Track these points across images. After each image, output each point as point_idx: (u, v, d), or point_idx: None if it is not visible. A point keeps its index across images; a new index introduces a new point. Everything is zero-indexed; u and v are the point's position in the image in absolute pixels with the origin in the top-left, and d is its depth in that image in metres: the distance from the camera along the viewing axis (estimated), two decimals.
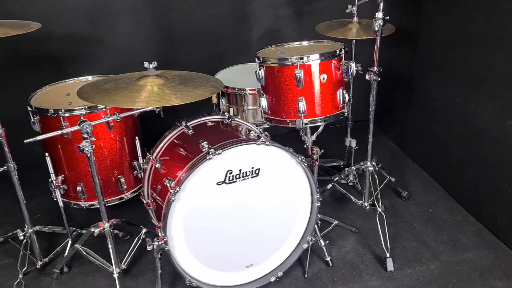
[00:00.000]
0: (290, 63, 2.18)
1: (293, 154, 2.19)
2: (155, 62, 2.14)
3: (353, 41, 2.86)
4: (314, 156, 2.44)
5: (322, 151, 2.47)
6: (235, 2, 3.43)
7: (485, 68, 2.65)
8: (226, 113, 2.50)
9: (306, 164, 2.22)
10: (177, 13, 3.36)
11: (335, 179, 2.94)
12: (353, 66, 2.22)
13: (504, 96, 2.53)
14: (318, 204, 2.34)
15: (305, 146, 2.43)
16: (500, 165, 2.62)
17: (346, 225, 2.79)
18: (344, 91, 2.30)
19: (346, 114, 2.35)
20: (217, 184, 2.09)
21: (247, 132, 2.23)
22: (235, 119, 2.49)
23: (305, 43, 2.57)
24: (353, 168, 2.92)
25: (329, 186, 2.92)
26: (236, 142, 2.09)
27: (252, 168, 2.14)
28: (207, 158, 2.00)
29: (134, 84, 2.11)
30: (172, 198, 2.01)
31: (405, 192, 3.04)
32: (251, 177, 2.15)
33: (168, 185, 2.08)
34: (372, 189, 2.77)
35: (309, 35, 2.86)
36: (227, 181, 2.10)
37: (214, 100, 2.82)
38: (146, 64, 2.13)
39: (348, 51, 2.37)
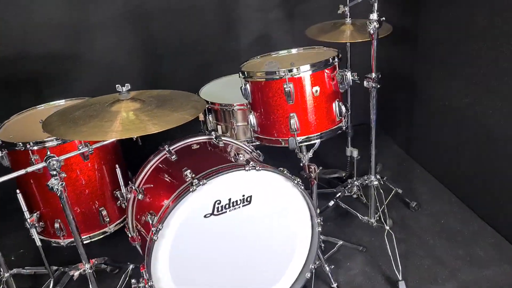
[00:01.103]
0: (278, 77, 1.95)
1: (287, 176, 1.97)
2: (128, 85, 1.93)
3: (348, 44, 2.63)
4: (312, 175, 2.23)
5: (320, 168, 2.26)
6: (220, 8, 3.21)
7: (493, 65, 2.42)
8: (213, 132, 2.28)
9: (303, 187, 2.00)
10: (159, 24, 3.15)
11: (338, 195, 2.72)
12: (348, 76, 1.99)
13: None
14: (319, 229, 2.12)
15: (301, 164, 2.22)
16: None
17: (353, 244, 2.56)
18: (340, 103, 2.07)
19: (344, 128, 2.12)
20: (205, 216, 1.88)
21: (236, 155, 2.01)
22: (223, 138, 2.28)
23: (294, 50, 2.34)
24: (356, 183, 2.69)
25: (331, 203, 2.70)
26: (223, 169, 1.87)
27: (243, 196, 1.93)
28: (191, 190, 1.79)
29: (106, 111, 1.90)
30: (154, 237, 1.79)
31: (414, 203, 2.81)
32: (243, 206, 1.94)
33: (151, 221, 1.86)
34: (378, 204, 2.54)
35: (302, 38, 2.64)
36: (215, 212, 1.89)
37: (201, 117, 2.60)
38: (118, 87, 1.92)
39: (342, 57, 2.14)
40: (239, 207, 1.93)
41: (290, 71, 1.95)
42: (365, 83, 2.18)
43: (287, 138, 2.02)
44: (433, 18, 2.88)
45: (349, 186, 2.73)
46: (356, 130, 2.96)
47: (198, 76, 3.21)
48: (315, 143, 2.10)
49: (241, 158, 1.97)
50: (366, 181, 2.46)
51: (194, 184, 1.79)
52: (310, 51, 2.31)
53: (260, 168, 1.89)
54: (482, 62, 2.50)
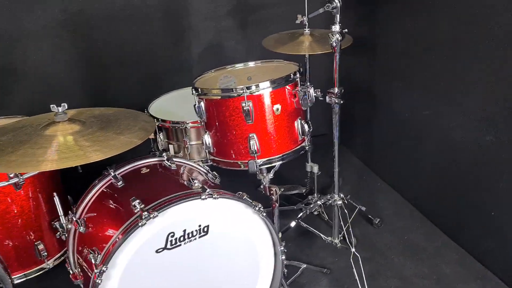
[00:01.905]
0: (235, 94, 1.78)
1: (248, 203, 1.80)
2: (65, 105, 1.70)
3: (307, 56, 2.50)
4: (273, 197, 2.07)
5: (282, 189, 2.10)
6: (168, 16, 3.00)
7: (455, 77, 2.36)
8: (165, 153, 2.08)
9: (265, 214, 1.83)
10: (102, 33, 2.89)
11: (299, 215, 2.57)
12: (311, 92, 1.85)
13: (481, 108, 2.24)
14: (283, 257, 1.96)
15: (261, 186, 2.05)
16: (480, 184, 2.33)
17: (316, 267, 2.42)
18: (303, 121, 1.92)
19: (307, 148, 1.97)
20: (157, 251, 1.68)
21: (190, 180, 1.81)
22: (176, 160, 2.07)
23: (251, 64, 2.17)
24: (319, 202, 2.56)
25: (293, 223, 2.55)
26: (176, 199, 1.68)
27: (199, 226, 1.74)
28: (140, 224, 1.58)
29: (39, 135, 1.66)
30: (98, 280, 1.57)
31: (377, 219, 2.71)
32: (199, 237, 1.75)
33: (93, 260, 1.63)
34: (341, 222, 2.42)
35: (257, 49, 2.49)
36: (168, 246, 1.69)
37: (151, 135, 2.37)
38: (53, 108, 1.68)
39: (303, 72, 1.99)
40: (195, 238, 1.74)
41: (249, 88, 1.78)
42: (327, 98, 2.05)
43: (247, 161, 1.85)
44: (391, 28, 2.81)
45: (311, 206, 2.59)
46: (314, 142, 2.83)
47: (147, 89, 3.00)
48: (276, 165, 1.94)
49: (196, 184, 1.77)
50: (330, 201, 2.33)
51: (143, 217, 1.59)
52: (268, 65, 2.15)
53: (218, 196, 1.71)
54: (443, 74, 2.44)
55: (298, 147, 1.94)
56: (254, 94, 1.77)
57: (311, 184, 2.91)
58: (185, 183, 1.86)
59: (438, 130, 2.55)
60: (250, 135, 1.81)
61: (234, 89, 1.78)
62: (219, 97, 1.81)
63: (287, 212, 2.82)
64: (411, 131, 2.80)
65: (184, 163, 2.11)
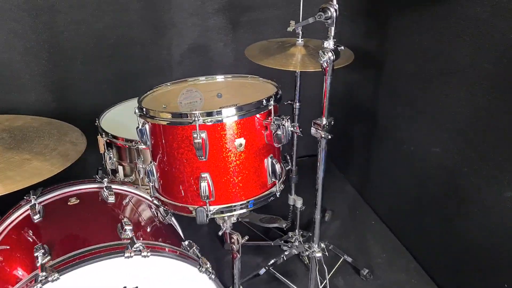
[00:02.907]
0: (187, 122, 1.36)
1: (191, 262, 1.39)
2: None
3: (298, 73, 2.07)
4: (234, 247, 1.66)
5: (246, 237, 1.68)
6: (148, 8, 2.59)
7: (474, 114, 1.93)
8: (106, 179, 1.68)
9: (214, 276, 1.43)
10: (69, 20, 2.48)
11: (271, 262, 2.16)
12: (287, 126, 1.43)
13: (502, 157, 1.81)
14: None
15: (220, 233, 1.64)
16: (490, 245, 1.91)
17: None
18: (275, 160, 1.49)
19: (278, 194, 1.55)
20: None
21: (123, 224, 1.40)
22: (118, 188, 1.68)
23: (220, 78, 1.73)
24: (295, 251, 2.15)
25: (262, 271, 2.14)
26: (93, 254, 1.28)
27: None
28: None
29: None
30: None
31: (366, 270, 2.29)
32: None
33: None
34: (318, 277, 2.00)
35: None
36: None
37: (101, 149, 1.98)
38: None
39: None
40: None
41: (210, 114, 1.35)
42: (312, 130, 1.63)
43: (198, 207, 1.43)
44: (403, 46, 2.36)
45: (286, 253, 2.19)
46: (301, 164, 2.41)
47: (117, 90, 2.64)
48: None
49: (126, 232, 1.37)
50: (307, 253, 1.92)
51: (39, 279, 1.19)
52: (241, 80, 1.71)
53: (149, 253, 1.31)
54: (461, 109, 2.00)
55: (266, 193, 1.51)
56: (209, 123, 1.34)
57: (293, 217, 2.49)
58: (118, 226, 1.45)
59: (447, 172, 2.12)
60: (203, 175, 1.39)
61: (188, 114, 1.35)
62: (166, 123, 1.38)
63: (264, 248, 2.43)
64: (415, 167, 2.37)
65: (129, 192, 1.71)
